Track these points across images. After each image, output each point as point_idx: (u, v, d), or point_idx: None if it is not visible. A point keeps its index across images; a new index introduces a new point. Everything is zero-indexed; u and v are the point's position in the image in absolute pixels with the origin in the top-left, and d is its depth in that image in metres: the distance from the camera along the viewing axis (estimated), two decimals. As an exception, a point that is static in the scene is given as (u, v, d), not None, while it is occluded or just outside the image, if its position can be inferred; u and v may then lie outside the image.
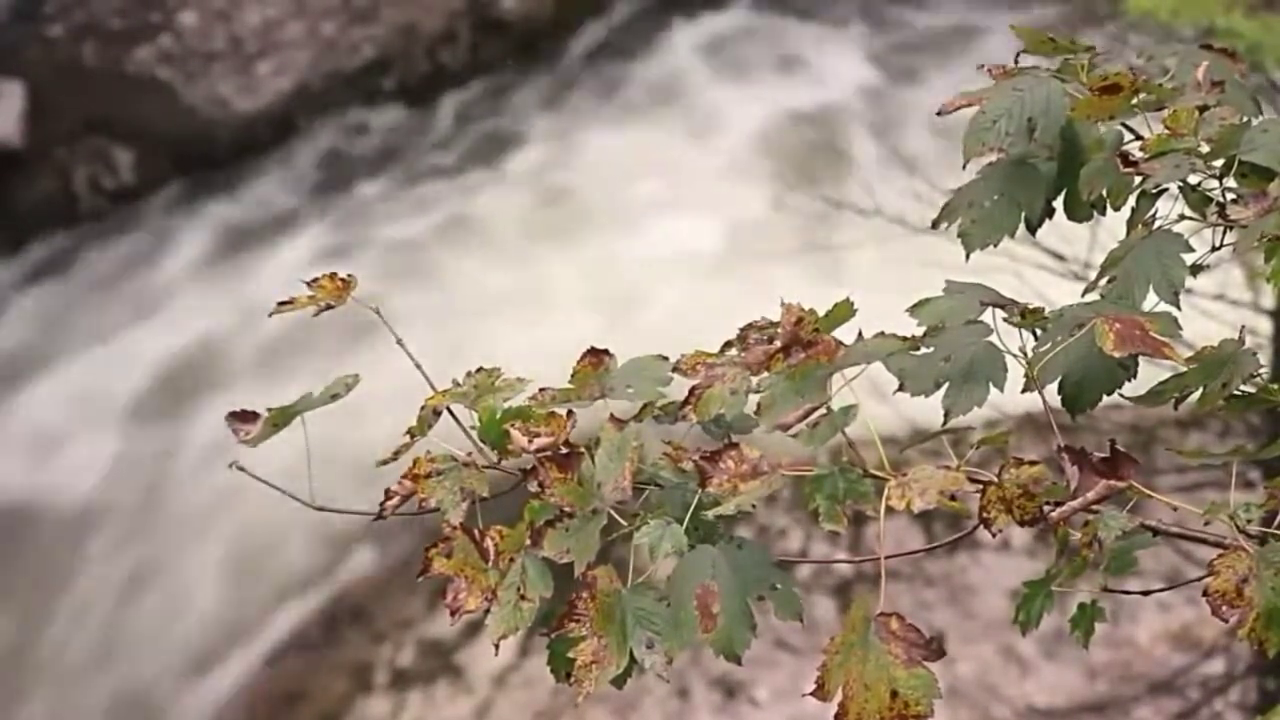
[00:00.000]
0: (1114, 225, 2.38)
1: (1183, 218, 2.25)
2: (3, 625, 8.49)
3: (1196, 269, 2.22)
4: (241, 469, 2.29)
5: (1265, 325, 6.12)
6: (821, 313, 2.17)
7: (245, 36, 11.09)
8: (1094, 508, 2.08)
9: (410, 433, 2.21)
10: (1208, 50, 2.40)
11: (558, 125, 10.97)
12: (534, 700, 7.47)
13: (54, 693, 8.28)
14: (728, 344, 2.18)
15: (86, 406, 9.37)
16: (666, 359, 2.21)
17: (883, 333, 2.16)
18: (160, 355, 9.57)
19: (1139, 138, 2.32)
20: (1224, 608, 2.00)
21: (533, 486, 2.09)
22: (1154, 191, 2.27)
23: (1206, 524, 2.14)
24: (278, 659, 8.12)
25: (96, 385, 9.42)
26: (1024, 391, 2.14)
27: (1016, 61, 2.38)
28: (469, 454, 2.16)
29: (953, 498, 2.00)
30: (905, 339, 2.16)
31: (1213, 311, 5.65)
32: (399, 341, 2.33)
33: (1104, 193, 2.30)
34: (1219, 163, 2.24)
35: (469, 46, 11.42)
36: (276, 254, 10.17)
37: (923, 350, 2.16)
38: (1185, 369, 2.16)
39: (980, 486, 2.03)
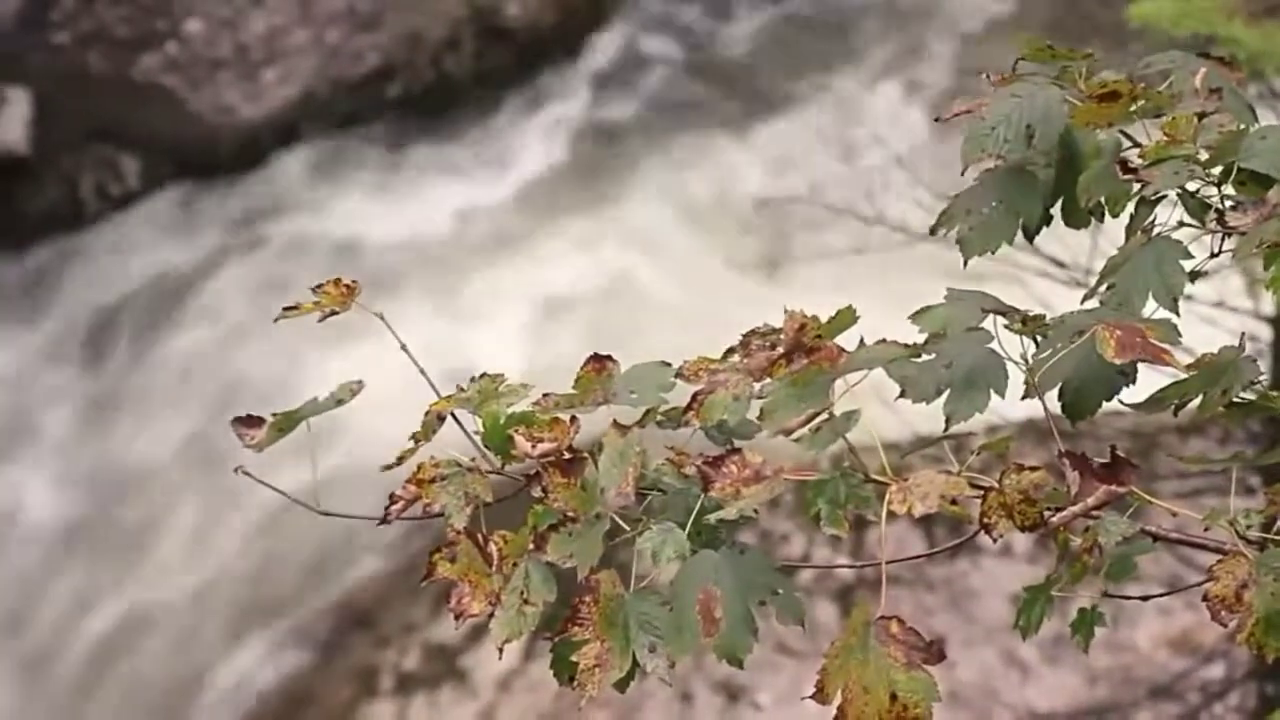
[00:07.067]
0: (1114, 233, 2.38)
1: (1182, 224, 2.26)
2: None
3: (1195, 275, 2.22)
4: (247, 473, 2.29)
5: (1265, 332, 6.12)
6: (824, 319, 2.18)
7: (250, 44, 11.10)
8: (1094, 513, 2.08)
9: (414, 438, 2.21)
10: (1205, 58, 2.41)
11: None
12: (538, 704, 7.47)
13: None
14: (730, 350, 2.19)
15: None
16: (670, 365, 2.22)
17: (885, 339, 2.16)
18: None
19: (1137, 145, 2.33)
20: (1224, 613, 2.00)
21: (536, 492, 2.10)
22: (1153, 199, 2.28)
23: (1206, 529, 2.15)
24: (284, 663, 8.12)
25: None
26: (1024, 398, 2.15)
27: (1015, 69, 2.38)
28: (473, 459, 2.17)
29: (954, 503, 2.01)
30: (907, 346, 2.16)
31: (1213, 318, 5.65)
32: (403, 347, 2.33)
33: (1102, 199, 2.31)
34: (1218, 170, 2.25)
35: (473, 54, 11.42)
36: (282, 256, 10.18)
37: (924, 357, 2.17)
38: (1185, 376, 2.17)
39: (981, 492, 2.03)
